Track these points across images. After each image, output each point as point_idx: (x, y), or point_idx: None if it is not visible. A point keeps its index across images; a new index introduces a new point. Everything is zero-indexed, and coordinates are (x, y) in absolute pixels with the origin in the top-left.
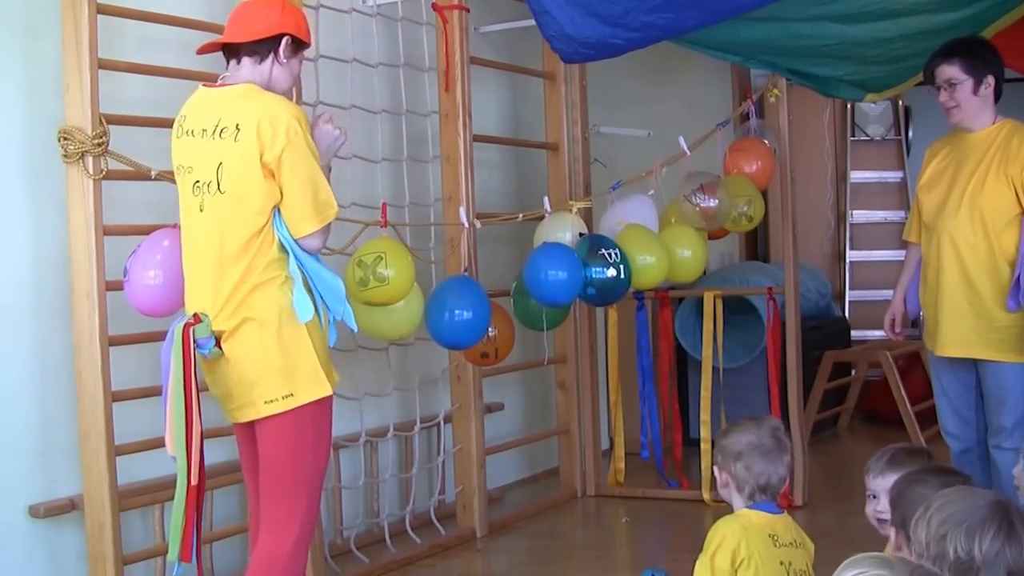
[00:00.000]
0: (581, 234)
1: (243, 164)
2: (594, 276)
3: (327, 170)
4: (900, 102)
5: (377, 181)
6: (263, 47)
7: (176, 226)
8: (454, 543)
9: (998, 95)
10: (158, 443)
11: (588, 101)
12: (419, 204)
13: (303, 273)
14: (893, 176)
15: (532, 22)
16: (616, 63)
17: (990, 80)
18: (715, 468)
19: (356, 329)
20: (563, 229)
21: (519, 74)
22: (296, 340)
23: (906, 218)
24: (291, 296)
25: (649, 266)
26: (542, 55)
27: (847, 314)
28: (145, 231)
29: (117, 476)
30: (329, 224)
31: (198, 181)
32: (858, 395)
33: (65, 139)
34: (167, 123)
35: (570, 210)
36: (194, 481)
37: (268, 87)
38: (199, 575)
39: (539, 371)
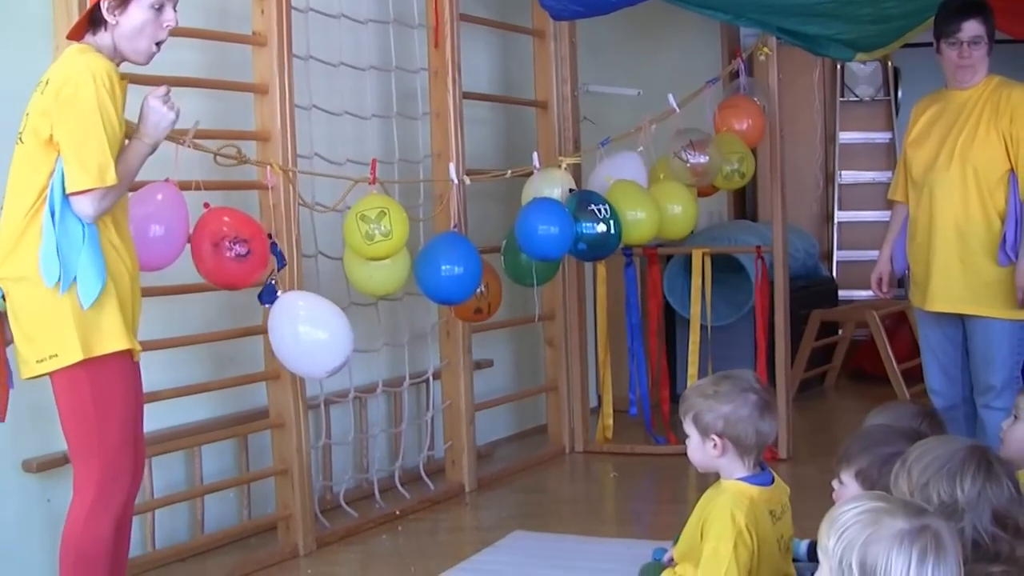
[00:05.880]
0: (571, 190)
1: (39, 116)
2: (584, 232)
3: (151, 148)
4: (890, 63)
5: (367, 137)
6: (96, 21)
7: (168, 180)
8: (443, 498)
9: None
10: (155, 396)
11: (577, 59)
12: (408, 161)
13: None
14: (882, 137)
15: None
16: (605, 21)
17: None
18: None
19: (85, 307)
20: (552, 185)
21: (508, 31)
22: (55, 300)
23: None
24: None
25: (639, 221)
26: (531, 12)
27: (835, 274)
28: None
29: None
30: (107, 189)
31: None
32: (845, 354)
33: None
34: (155, 81)
35: (559, 166)
36: None
37: (121, 51)
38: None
39: (528, 328)
